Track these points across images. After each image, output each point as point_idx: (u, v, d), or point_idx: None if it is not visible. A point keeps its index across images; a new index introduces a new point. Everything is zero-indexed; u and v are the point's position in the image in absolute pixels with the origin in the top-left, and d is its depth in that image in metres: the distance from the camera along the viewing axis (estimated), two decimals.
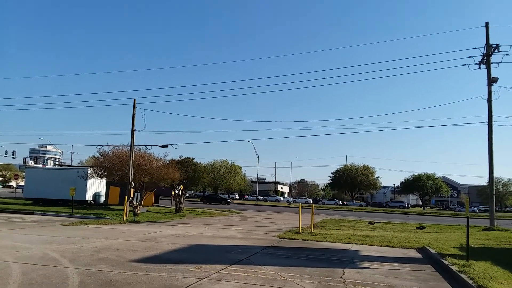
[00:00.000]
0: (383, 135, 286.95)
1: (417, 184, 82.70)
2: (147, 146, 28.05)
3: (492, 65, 22.56)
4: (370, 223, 25.46)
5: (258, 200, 71.23)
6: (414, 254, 12.35)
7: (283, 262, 9.71)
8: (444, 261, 9.80)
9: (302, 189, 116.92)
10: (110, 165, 25.27)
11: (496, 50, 22.38)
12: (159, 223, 20.46)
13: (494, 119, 22.53)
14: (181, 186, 32.35)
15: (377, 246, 13.62)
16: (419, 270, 9.40)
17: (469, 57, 22.96)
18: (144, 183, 25.62)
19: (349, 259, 10.47)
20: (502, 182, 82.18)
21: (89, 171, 28.47)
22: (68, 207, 24.69)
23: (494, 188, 23.34)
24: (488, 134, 22.67)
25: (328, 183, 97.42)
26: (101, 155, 26.66)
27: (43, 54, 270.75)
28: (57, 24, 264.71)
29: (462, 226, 24.08)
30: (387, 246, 13.65)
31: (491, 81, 22.49)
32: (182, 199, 31.18)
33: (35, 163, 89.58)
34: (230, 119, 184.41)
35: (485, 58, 22.64)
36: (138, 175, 24.83)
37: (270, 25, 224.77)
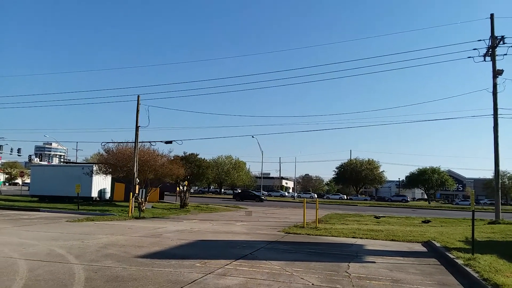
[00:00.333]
0: (387, 129, 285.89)
1: (422, 178, 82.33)
2: (152, 143, 28.29)
3: (497, 57, 22.41)
4: (376, 217, 25.42)
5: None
6: (419, 248, 12.33)
7: (288, 256, 9.72)
8: (450, 255, 9.77)
9: (306, 184, 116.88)
10: (115, 162, 25.42)
11: (501, 42, 22.19)
12: (164, 219, 20.56)
13: (499, 111, 22.44)
14: (186, 182, 32.52)
15: (382, 240, 13.60)
16: (424, 264, 9.38)
17: (474, 49, 22.82)
18: (149, 179, 25.74)
19: (354, 254, 10.47)
20: (508, 175, 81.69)
21: (94, 168, 28.64)
22: (74, 204, 24.85)
23: (500, 181, 23.25)
24: (493, 127, 22.55)
25: (333, 177, 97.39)
26: (105, 152, 26.84)
27: (46, 51, 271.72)
28: (60, 21, 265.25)
29: (467, 219, 24.00)
30: (392, 240, 13.63)
31: (496, 73, 22.32)
32: (187, 195, 31.30)
33: (40, 161, 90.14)
34: (234, 115, 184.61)
35: (490, 50, 22.46)
36: (143, 172, 24.94)
37: (275, 20, 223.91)
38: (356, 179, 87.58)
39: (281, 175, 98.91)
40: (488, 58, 22.63)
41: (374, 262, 9.23)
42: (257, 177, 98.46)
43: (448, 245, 11.54)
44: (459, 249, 10.46)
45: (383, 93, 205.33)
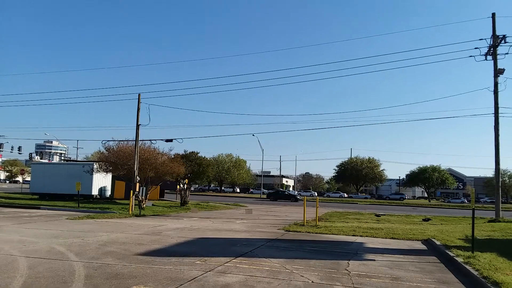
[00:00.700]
0: (388, 127, 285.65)
1: (422, 176, 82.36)
2: (152, 141, 28.22)
3: (498, 56, 22.42)
4: (377, 215, 25.44)
5: (263, 193, 71.35)
6: (419, 246, 12.33)
7: (288, 254, 9.74)
8: (449, 253, 9.78)
9: (307, 182, 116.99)
10: (115, 160, 25.41)
11: (503, 41, 22.17)
12: (165, 217, 20.58)
13: (500, 110, 22.53)
14: (186, 180, 32.54)
15: (382, 238, 13.61)
16: (424, 261, 9.39)
17: (475, 48, 22.80)
18: (149, 177, 25.74)
19: (354, 251, 10.48)
20: (508, 173, 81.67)
21: (95, 166, 28.66)
22: (74, 202, 24.88)
23: (500, 179, 23.28)
24: (494, 126, 22.57)
25: (333, 176, 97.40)
26: (106, 150, 26.83)
27: (46, 50, 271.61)
28: (61, 20, 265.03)
29: (467, 217, 24.01)
30: (392, 238, 13.64)
31: (498, 72, 22.32)
32: (187, 193, 31.32)
33: (41, 159, 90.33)
34: (234, 113, 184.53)
35: (492, 49, 22.44)
36: (143, 170, 24.95)
37: (275, 19, 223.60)
38: (357, 177, 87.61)
39: (281, 173, 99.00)
40: (489, 57, 22.62)
41: (374, 260, 9.24)
42: (257, 175, 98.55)
43: (448, 243, 11.55)
44: (459, 247, 10.48)
45: (384, 91, 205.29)
